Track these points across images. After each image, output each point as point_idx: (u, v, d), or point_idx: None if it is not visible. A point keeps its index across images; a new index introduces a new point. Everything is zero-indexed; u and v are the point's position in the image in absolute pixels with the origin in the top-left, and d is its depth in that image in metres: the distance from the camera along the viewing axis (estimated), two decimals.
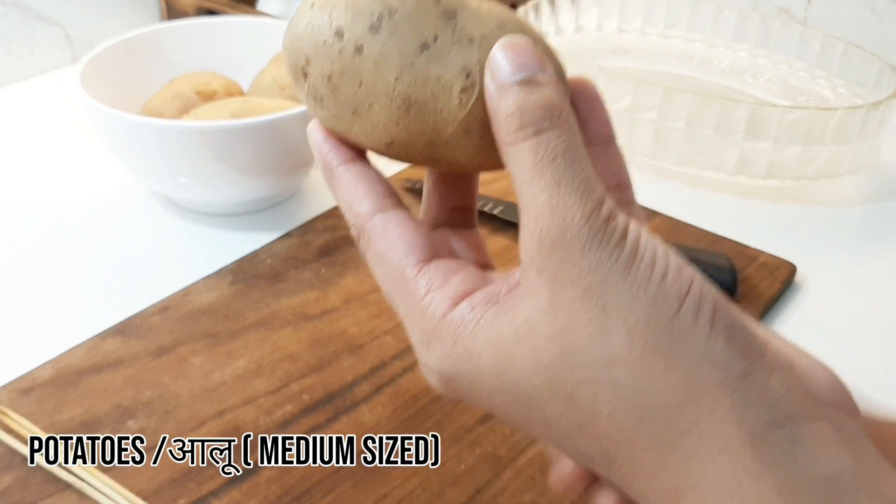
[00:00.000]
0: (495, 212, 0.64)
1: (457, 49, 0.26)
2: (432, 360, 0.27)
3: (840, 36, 0.83)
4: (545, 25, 0.88)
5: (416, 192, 0.67)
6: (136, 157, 0.61)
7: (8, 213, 0.66)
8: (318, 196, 0.68)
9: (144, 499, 0.42)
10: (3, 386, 0.48)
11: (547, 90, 0.25)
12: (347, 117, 0.27)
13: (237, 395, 0.48)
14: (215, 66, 0.71)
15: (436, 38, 0.26)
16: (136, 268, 0.60)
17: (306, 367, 0.50)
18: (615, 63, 0.89)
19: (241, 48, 0.73)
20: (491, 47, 0.26)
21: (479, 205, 0.64)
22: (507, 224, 0.64)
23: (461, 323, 0.26)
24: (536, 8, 0.85)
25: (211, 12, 0.88)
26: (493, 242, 0.62)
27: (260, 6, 0.88)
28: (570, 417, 0.24)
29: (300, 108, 0.59)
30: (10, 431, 0.45)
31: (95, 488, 0.42)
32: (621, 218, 0.24)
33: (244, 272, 0.58)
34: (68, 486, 0.42)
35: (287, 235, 0.62)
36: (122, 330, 0.52)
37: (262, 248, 0.61)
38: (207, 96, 0.66)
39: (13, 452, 0.44)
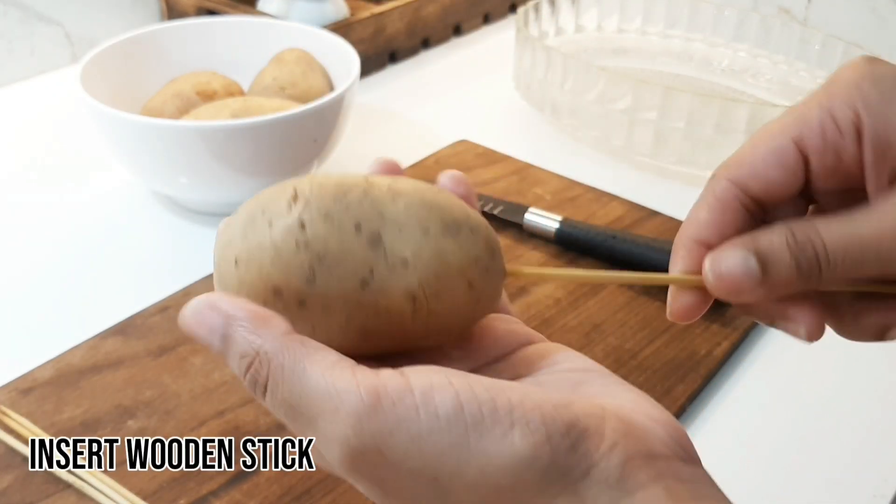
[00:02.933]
0: (495, 212, 0.64)
1: (395, 276, 0.26)
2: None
3: (840, 36, 0.83)
4: (545, 25, 0.88)
5: None
6: (136, 156, 0.61)
7: (8, 212, 0.66)
8: None
9: (144, 499, 0.42)
10: (4, 386, 0.48)
11: (233, 347, 0.25)
12: None
13: (237, 394, 0.48)
14: (215, 66, 0.71)
15: (372, 272, 0.26)
16: (136, 268, 0.60)
17: None
18: (615, 63, 0.89)
19: (242, 48, 0.73)
20: (425, 262, 0.26)
21: (478, 205, 0.64)
22: (508, 224, 0.64)
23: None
24: (536, 8, 0.85)
25: (211, 12, 0.88)
26: None
27: (260, 6, 0.88)
28: None
29: (300, 107, 0.59)
30: (10, 431, 0.45)
31: (96, 488, 0.42)
32: (394, 384, 0.23)
33: None
34: (68, 485, 0.42)
35: None
36: (123, 330, 0.52)
37: None
38: (208, 96, 0.66)
39: (13, 452, 0.44)
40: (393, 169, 0.31)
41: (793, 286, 0.27)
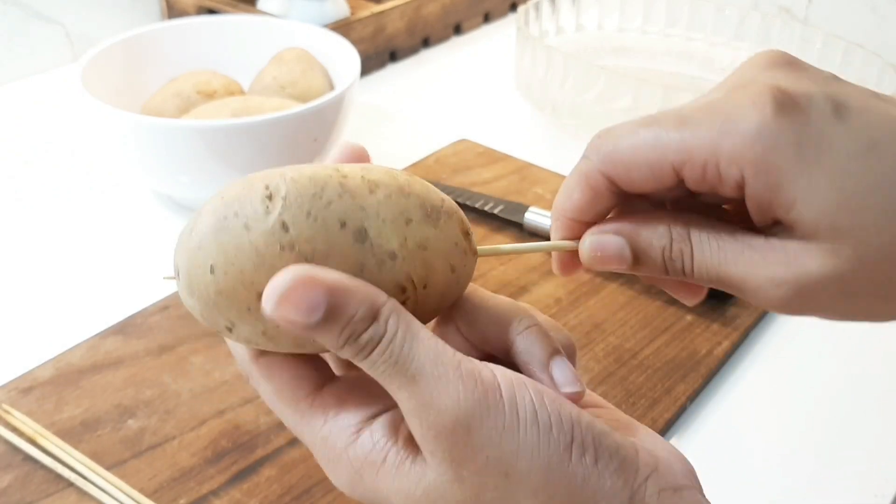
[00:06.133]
0: (496, 211, 0.64)
1: (384, 270, 0.26)
2: (342, 484, 0.28)
3: (841, 35, 0.83)
4: (546, 24, 0.88)
5: None
6: (136, 155, 0.61)
7: (8, 211, 0.66)
8: None
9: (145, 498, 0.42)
10: (4, 385, 0.48)
11: (344, 315, 0.24)
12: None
13: (238, 394, 0.48)
14: (216, 65, 0.71)
15: (361, 268, 0.26)
16: (137, 267, 0.60)
17: None
18: (616, 62, 0.88)
19: (242, 47, 0.73)
20: (412, 252, 0.26)
21: (478, 204, 0.64)
22: (507, 223, 0.63)
23: (365, 460, 0.27)
24: (537, 7, 0.85)
25: (211, 11, 0.88)
26: (494, 241, 0.62)
27: (260, 5, 0.88)
28: None
29: (300, 106, 0.59)
30: (13, 429, 0.45)
31: (97, 486, 0.42)
32: (486, 373, 0.25)
33: None
34: (69, 484, 0.42)
35: None
36: (123, 329, 0.52)
37: None
38: (208, 95, 0.66)
39: (14, 451, 0.44)
40: (360, 156, 0.30)
41: (656, 275, 0.29)
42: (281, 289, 0.24)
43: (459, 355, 0.25)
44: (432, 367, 0.25)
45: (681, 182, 0.27)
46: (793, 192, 0.25)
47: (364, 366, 0.25)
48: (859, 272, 0.25)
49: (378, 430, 0.27)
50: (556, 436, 0.24)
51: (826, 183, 0.24)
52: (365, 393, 0.28)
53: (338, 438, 0.27)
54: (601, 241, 0.29)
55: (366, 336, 0.25)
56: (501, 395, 0.25)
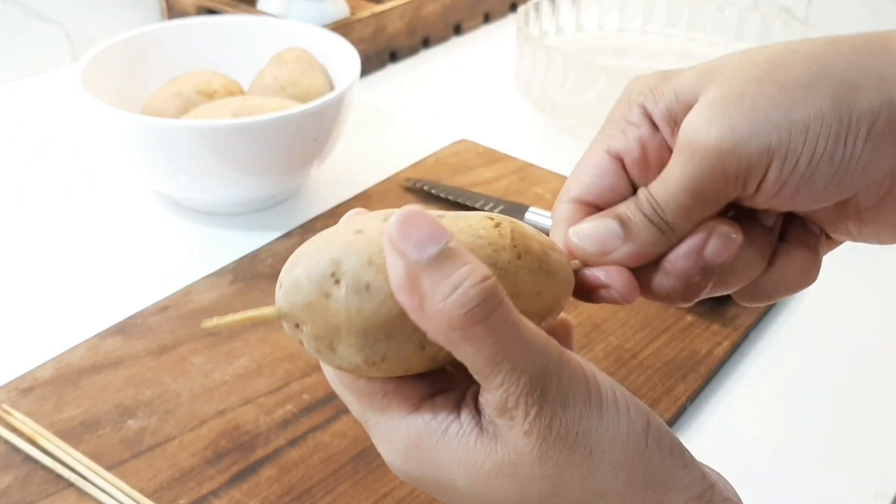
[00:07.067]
0: (496, 211, 0.64)
1: None
2: (396, 458, 0.27)
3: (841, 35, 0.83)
4: (546, 24, 0.88)
5: (415, 191, 0.67)
6: (136, 156, 0.61)
7: (8, 212, 0.66)
8: (318, 196, 0.68)
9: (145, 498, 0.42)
10: (4, 385, 0.48)
11: (458, 260, 0.24)
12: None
13: (238, 394, 0.48)
14: (216, 65, 0.71)
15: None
16: (137, 267, 0.60)
17: (307, 366, 0.50)
18: (616, 62, 0.88)
19: (242, 47, 0.73)
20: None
21: (478, 204, 0.64)
22: None
23: (424, 428, 0.26)
24: (537, 7, 0.85)
25: (211, 11, 0.88)
26: None
27: (260, 5, 0.88)
28: None
29: (300, 106, 0.59)
30: (13, 430, 0.45)
31: (97, 486, 0.42)
32: (582, 362, 0.26)
33: (245, 272, 0.58)
34: (69, 484, 0.42)
35: (288, 235, 0.62)
36: (123, 329, 0.52)
37: (263, 247, 0.61)
38: (208, 95, 0.66)
39: (14, 451, 0.44)
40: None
41: (655, 243, 0.29)
42: (400, 215, 0.24)
43: (563, 350, 0.26)
44: (532, 342, 0.25)
45: (624, 166, 0.31)
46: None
47: (479, 329, 0.24)
48: (728, 92, 0.28)
49: (440, 404, 0.27)
50: (633, 417, 0.26)
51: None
52: (423, 378, 0.28)
53: (397, 409, 0.27)
54: (581, 225, 0.30)
55: (481, 299, 0.23)
56: (585, 375, 0.26)
